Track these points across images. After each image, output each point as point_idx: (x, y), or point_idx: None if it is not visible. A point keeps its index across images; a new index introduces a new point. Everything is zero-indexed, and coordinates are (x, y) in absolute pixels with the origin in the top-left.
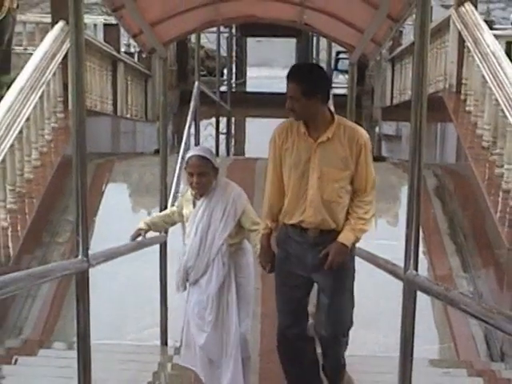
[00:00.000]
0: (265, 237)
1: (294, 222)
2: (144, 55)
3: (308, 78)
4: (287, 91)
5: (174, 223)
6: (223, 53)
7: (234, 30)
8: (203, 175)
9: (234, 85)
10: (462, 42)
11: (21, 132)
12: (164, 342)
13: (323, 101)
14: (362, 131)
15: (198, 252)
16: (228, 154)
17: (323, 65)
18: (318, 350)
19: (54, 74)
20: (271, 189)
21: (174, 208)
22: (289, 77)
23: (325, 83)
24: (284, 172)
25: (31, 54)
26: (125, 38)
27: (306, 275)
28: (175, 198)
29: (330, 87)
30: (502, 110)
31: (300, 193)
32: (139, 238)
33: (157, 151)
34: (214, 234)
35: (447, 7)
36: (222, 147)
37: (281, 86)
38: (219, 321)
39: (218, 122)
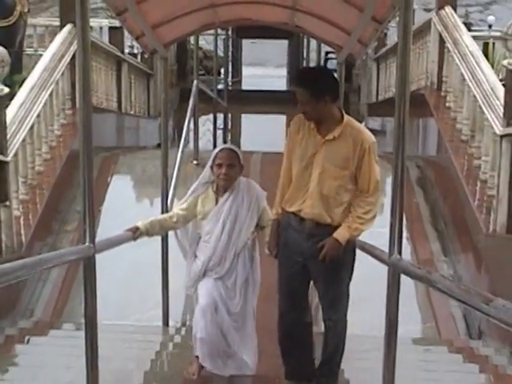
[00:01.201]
0: (275, 223)
1: (294, 209)
2: (146, 56)
3: (314, 81)
4: (297, 95)
5: (172, 229)
6: (220, 53)
7: (230, 32)
8: (232, 167)
9: (230, 83)
10: (442, 42)
11: (32, 127)
12: (166, 323)
13: (332, 101)
14: (368, 135)
15: (225, 247)
16: None
17: (313, 64)
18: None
19: (63, 73)
20: (283, 177)
21: (180, 212)
22: (296, 82)
23: (331, 84)
24: (293, 162)
25: (41, 54)
26: (128, 40)
27: (303, 262)
28: (176, 188)
29: (337, 87)
30: (480, 106)
31: (302, 184)
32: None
33: (158, 145)
34: (241, 229)
35: (428, 10)
36: (219, 141)
37: (274, 84)
38: (243, 310)
39: (215, 118)
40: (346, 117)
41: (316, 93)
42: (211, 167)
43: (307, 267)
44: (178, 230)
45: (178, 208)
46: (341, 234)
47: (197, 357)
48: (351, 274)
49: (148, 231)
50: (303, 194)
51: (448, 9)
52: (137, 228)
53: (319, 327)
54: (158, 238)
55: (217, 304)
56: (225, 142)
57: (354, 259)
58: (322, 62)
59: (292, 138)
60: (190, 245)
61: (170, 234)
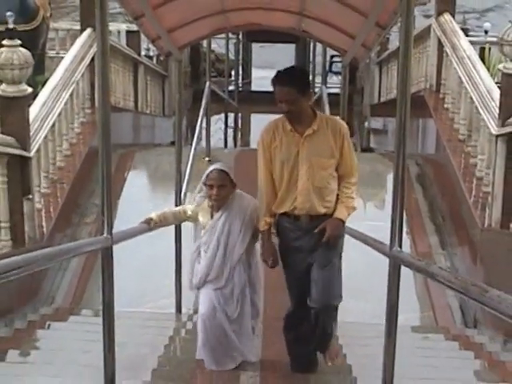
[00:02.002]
0: (265, 233)
1: (286, 209)
2: (161, 58)
3: (300, 78)
4: (280, 95)
5: (184, 221)
6: (231, 56)
7: (240, 36)
8: (222, 188)
9: (240, 84)
10: (441, 47)
11: (53, 125)
12: (178, 310)
13: (309, 98)
14: (342, 122)
15: (221, 263)
16: (235, 145)
17: (319, 67)
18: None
19: (83, 74)
20: (266, 187)
21: (189, 210)
22: (282, 82)
23: (309, 82)
24: (274, 168)
25: (62, 57)
26: (145, 43)
27: (306, 258)
28: (189, 183)
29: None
30: (476, 108)
31: (291, 183)
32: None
33: (172, 143)
34: (234, 245)
35: (428, 17)
36: (230, 139)
37: None
38: (240, 316)
39: (226, 117)
40: (317, 111)
41: (302, 89)
42: (204, 184)
43: (310, 259)
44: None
45: (188, 207)
46: (341, 213)
47: (201, 360)
48: (340, 259)
49: (162, 221)
50: (293, 192)
51: (447, 15)
52: (151, 219)
53: None
54: (172, 233)
55: (216, 311)
56: (235, 140)
57: (342, 246)
58: (328, 65)
59: (268, 147)
60: (194, 251)
61: (183, 228)
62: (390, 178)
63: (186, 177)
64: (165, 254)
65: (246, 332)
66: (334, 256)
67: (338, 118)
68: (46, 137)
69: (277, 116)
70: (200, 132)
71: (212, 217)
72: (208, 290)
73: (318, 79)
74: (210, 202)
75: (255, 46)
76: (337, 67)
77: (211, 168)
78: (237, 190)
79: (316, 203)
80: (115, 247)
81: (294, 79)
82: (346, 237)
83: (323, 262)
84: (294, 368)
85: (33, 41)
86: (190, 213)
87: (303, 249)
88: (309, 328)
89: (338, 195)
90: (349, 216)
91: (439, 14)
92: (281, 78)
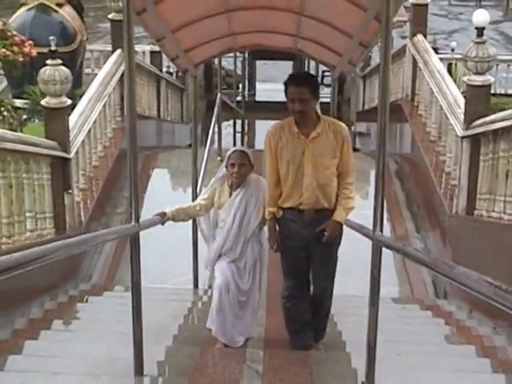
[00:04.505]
0: (271, 222)
1: (292, 205)
2: (180, 74)
3: (312, 81)
4: (294, 95)
5: (195, 216)
6: (239, 72)
7: (246, 55)
8: (243, 166)
9: (246, 95)
10: (415, 63)
11: (89, 131)
12: (196, 286)
13: (317, 101)
14: (343, 125)
15: (236, 235)
16: (242, 146)
17: None
18: None
19: (114, 88)
20: (271, 182)
21: (202, 201)
22: (298, 82)
23: (319, 86)
24: (280, 166)
25: (96, 73)
26: (165, 61)
27: (305, 247)
28: (203, 179)
29: None
30: (445, 114)
31: (297, 181)
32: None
33: (189, 145)
34: (249, 219)
35: (404, 37)
36: (238, 142)
37: (281, 96)
38: (251, 289)
39: (234, 123)
40: (321, 115)
41: (313, 91)
42: (226, 166)
43: (307, 249)
44: (200, 217)
45: (200, 198)
46: (340, 216)
47: (210, 330)
48: (337, 251)
49: (174, 217)
50: (299, 189)
51: (419, 36)
52: (164, 213)
53: None
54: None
55: (229, 283)
56: (242, 142)
57: (341, 240)
58: (320, 79)
59: (275, 146)
60: (210, 229)
61: None
62: (373, 173)
63: (201, 173)
64: (184, 238)
65: (252, 305)
66: (333, 252)
67: (339, 121)
68: (83, 141)
69: (277, 121)
70: (213, 136)
71: (230, 195)
72: (223, 263)
73: None
74: (231, 179)
75: (259, 63)
76: (327, 80)
77: (233, 149)
78: (254, 174)
79: (320, 198)
80: (142, 233)
81: (307, 81)
82: None
83: (324, 257)
84: (293, 346)
85: (72, 60)
86: (201, 202)
87: (303, 238)
88: (304, 304)
89: (337, 195)
90: (347, 216)
91: (413, 35)
92: (295, 78)
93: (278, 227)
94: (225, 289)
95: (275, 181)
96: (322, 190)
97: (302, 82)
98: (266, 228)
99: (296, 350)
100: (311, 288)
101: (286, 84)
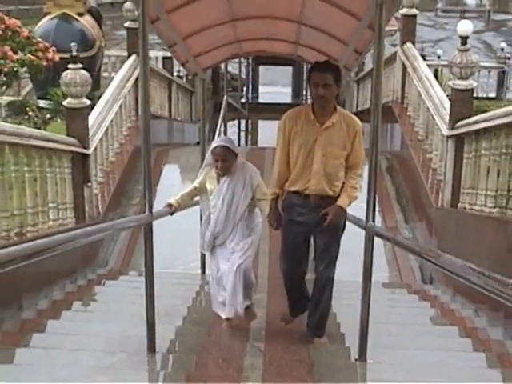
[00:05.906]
0: (273, 201)
1: (298, 189)
2: (189, 77)
3: (336, 68)
4: (319, 80)
5: (196, 195)
6: (243, 76)
7: (250, 61)
8: (226, 160)
9: (250, 97)
10: (404, 68)
11: (107, 129)
12: (203, 271)
13: (338, 89)
14: (357, 119)
15: (225, 218)
16: (246, 144)
17: None
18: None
19: (129, 90)
20: (280, 163)
21: (196, 185)
22: (323, 68)
23: (341, 75)
24: (292, 150)
25: (113, 77)
26: (176, 66)
27: (308, 231)
28: None
29: None
30: (432, 115)
31: (306, 166)
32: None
33: (198, 143)
34: (237, 204)
35: (395, 45)
36: (242, 140)
37: (282, 98)
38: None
39: (239, 123)
40: (337, 106)
41: (337, 78)
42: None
43: (310, 233)
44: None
45: (196, 182)
46: (343, 202)
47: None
48: (341, 236)
49: (180, 204)
50: (307, 174)
51: (409, 44)
52: (170, 204)
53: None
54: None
55: (221, 270)
56: (246, 140)
57: (345, 224)
58: None
59: (290, 130)
60: (203, 214)
61: None
62: (366, 169)
63: None
64: (192, 228)
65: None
66: (336, 238)
67: (353, 115)
68: (101, 138)
69: (279, 122)
70: (219, 134)
71: (218, 182)
72: (215, 252)
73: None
74: (217, 170)
75: (262, 68)
76: None
77: (214, 144)
78: (240, 158)
79: (325, 186)
80: (154, 223)
81: (331, 68)
82: None
83: (327, 242)
84: (292, 313)
85: (91, 65)
86: (197, 185)
87: (306, 223)
88: (302, 280)
89: (343, 183)
90: (350, 204)
91: (403, 43)
92: (322, 65)
93: (282, 211)
94: (217, 280)
95: (284, 161)
96: (329, 178)
97: (326, 69)
98: (257, 210)
99: (295, 316)
100: (313, 277)
101: (310, 70)
